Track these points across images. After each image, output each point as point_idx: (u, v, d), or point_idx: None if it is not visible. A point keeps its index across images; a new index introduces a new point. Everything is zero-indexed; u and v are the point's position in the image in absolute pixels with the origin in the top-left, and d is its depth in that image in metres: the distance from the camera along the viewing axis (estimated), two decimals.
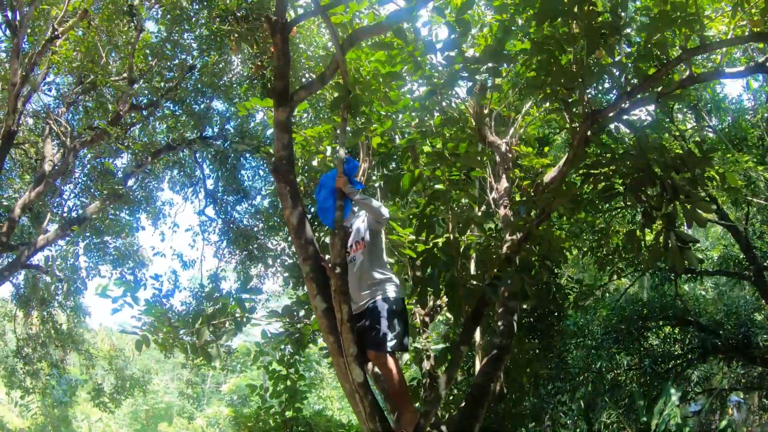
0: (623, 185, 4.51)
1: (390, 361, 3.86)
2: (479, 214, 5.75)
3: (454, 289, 4.50)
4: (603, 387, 13.08)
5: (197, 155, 12.07)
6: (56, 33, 8.84)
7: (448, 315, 6.89)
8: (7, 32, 9.38)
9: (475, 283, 4.60)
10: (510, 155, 6.52)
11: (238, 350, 10.80)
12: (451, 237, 4.66)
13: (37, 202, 10.65)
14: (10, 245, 10.03)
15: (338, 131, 4.54)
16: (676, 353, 13.70)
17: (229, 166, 10.96)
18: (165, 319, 5.42)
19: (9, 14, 8.86)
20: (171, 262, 58.25)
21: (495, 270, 4.61)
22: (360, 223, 4.32)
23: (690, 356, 13.62)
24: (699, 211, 4.19)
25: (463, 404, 4.69)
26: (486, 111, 6.26)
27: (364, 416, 3.56)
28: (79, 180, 12.52)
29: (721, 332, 12.66)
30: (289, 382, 7.22)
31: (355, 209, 4.42)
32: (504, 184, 6.27)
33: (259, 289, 5.61)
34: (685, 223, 4.34)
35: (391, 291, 4.01)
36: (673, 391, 9.96)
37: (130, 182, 12.16)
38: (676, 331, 14.05)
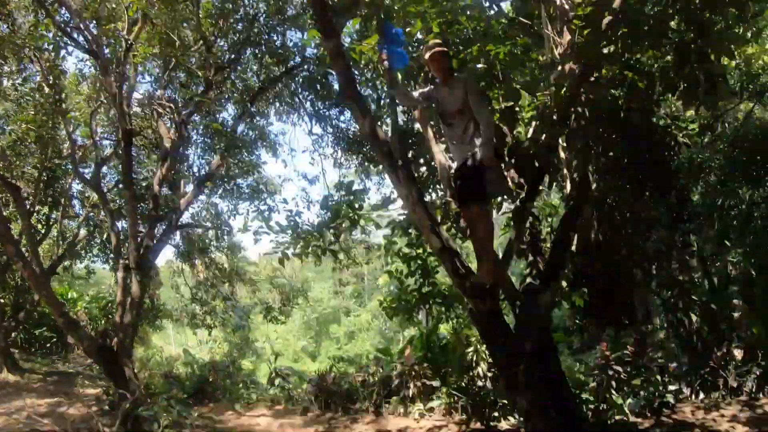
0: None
1: (476, 213, 4.50)
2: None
3: (517, 154, 4.93)
4: (729, 225, 12.64)
5: (292, 85, 12.91)
6: (129, 43, 9.79)
7: None
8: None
9: (530, 149, 4.96)
10: (567, 6, 6.49)
11: (379, 247, 11.97)
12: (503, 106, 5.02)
13: (171, 174, 12.16)
14: (161, 216, 11.56)
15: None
16: None
17: (320, 87, 11.66)
18: (295, 234, 6.43)
19: (83, 41, 9.79)
20: (299, 183, 62.15)
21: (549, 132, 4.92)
22: (457, 93, 4.75)
23: None
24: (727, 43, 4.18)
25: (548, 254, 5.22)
26: None
27: (448, 273, 4.25)
28: (199, 143, 14.13)
29: None
30: (420, 261, 7.83)
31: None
32: (567, 37, 6.28)
33: (361, 190, 6.37)
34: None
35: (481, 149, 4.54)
36: None
37: (240, 129, 13.48)
38: None
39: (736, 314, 10.08)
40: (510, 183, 5.93)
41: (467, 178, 4.58)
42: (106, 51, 10.28)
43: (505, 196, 4.84)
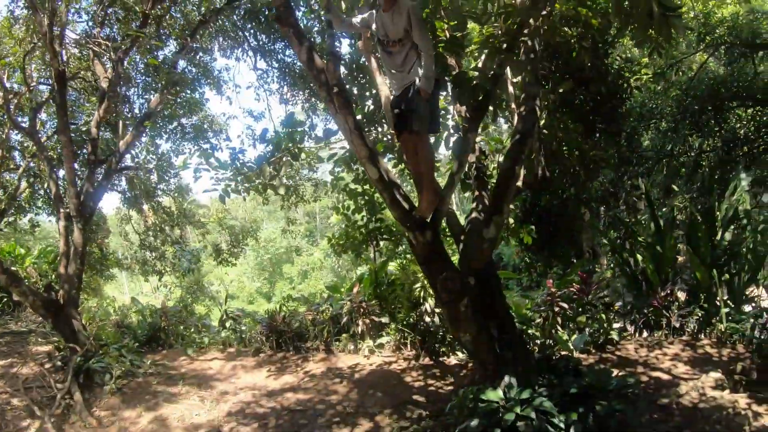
0: None
1: (415, 143, 4.37)
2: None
3: (460, 83, 4.77)
4: (678, 171, 12.93)
5: (234, 17, 12.33)
6: None
7: None
8: None
9: (477, 75, 4.80)
10: None
11: (327, 184, 11.80)
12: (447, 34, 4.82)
13: (111, 115, 11.55)
14: (100, 159, 11.05)
15: None
16: (753, 137, 13.01)
17: (264, 19, 11.15)
18: (235, 170, 6.22)
19: None
20: (244, 121, 61.09)
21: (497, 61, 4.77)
22: (399, 20, 4.45)
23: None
24: None
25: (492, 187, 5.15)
26: None
27: (387, 205, 4.13)
28: (140, 83, 13.43)
29: None
30: (366, 197, 7.68)
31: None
32: None
33: (302, 122, 6.12)
34: None
35: (421, 81, 4.37)
36: (743, 176, 9.73)
37: (183, 64, 12.83)
38: (757, 112, 13.21)
39: (680, 257, 10.42)
40: (456, 116, 5.81)
41: (404, 107, 4.41)
42: None
43: (433, 132, 4.66)
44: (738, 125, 13.45)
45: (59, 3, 9.54)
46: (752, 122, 13.31)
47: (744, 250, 8.62)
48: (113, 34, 11.82)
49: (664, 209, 12.91)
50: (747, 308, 8.39)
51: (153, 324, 10.80)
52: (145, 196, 15.42)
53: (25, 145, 13.82)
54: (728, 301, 8.22)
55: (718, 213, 9.16)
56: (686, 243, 9.20)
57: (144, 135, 13.17)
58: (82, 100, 13.69)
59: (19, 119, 12.18)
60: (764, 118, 13.10)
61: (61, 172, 11.97)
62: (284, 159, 5.74)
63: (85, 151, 11.80)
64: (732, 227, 8.95)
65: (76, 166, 11.89)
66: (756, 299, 8.62)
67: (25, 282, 9.58)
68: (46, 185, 13.76)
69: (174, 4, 11.48)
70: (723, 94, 12.49)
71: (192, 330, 10.95)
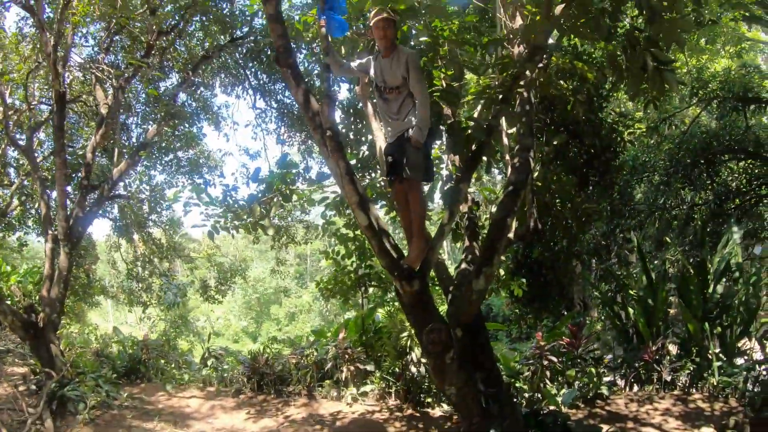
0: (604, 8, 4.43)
1: (406, 191, 4.32)
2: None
3: (455, 132, 4.76)
4: (670, 224, 12.95)
5: (237, 55, 12.51)
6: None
7: None
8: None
9: (472, 125, 4.80)
10: None
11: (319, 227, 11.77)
12: (443, 84, 4.83)
13: (108, 142, 11.58)
14: (93, 185, 11.03)
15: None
16: (745, 189, 13.10)
17: (266, 58, 11.32)
18: (225, 207, 6.16)
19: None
20: (240, 158, 61.28)
21: (492, 112, 4.77)
22: (398, 67, 4.47)
23: (760, 192, 13.00)
24: (678, 30, 4.11)
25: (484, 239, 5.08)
26: None
27: (375, 253, 4.05)
28: (139, 111, 13.51)
29: None
30: (357, 243, 7.66)
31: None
32: (519, 21, 6.18)
33: (295, 163, 6.08)
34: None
35: (414, 130, 4.35)
36: (735, 229, 9.76)
37: (185, 97, 12.93)
38: (749, 165, 13.36)
39: (671, 310, 10.33)
40: (450, 165, 5.79)
41: (397, 155, 4.38)
42: (48, 9, 9.68)
43: (426, 180, 4.64)
44: (730, 178, 13.56)
45: (67, 25, 9.66)
46: (744, 175, 13.42)
47: (736, 302, 8.56)
48: (117, 61, 11.95)
49: (656, 262, 12.90)
50: (739, 361, 8.26)
51: (133, 356, 10.62)
52: (136, 226, 15.33)
53: (21, 162, 13.79)
54: (720, 355, 8.10)
55: (710, 266, 9.12)
56: (678, 296, 9.12)
57: (139, 165, 13.19)
58: (81, 124, 13.74)
59: (18, 136, 12.16)
60: (756, 171, 13.22)
61: (54, 194, 11.92)
62: (275, 200, 5.68)
63: (79, 174, 11.76)
64: (724, 280, 8.91)
65: (69, 189, 11.85)
66: (748, 352, 8.51)
67: (7, 301, 9.42)
68: (37, 205, 13.67)
69: (179, 37, 11.64)
70: (715, 148, 12.62)
71: (173, 365, 10.77)
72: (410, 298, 4.39)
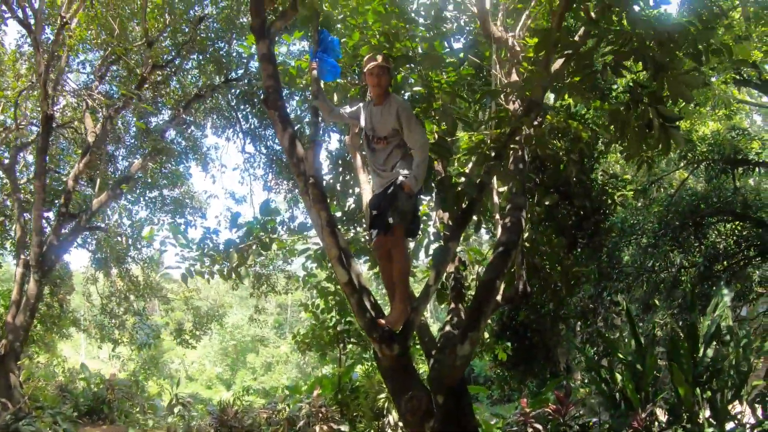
0: (606, 64, 4.31)
1: (394, 246, 4.06)
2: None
3: (445, 188, 4.56)
4: (658, 287, 12.80)
5: (230, 97, 12.46)
6: (64, 20, 9.23)
7: None
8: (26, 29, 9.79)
9: (463, 181, 4.61)
10: (518, 49, 6.34)
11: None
12: (436, 136, 4.66)
13: (93, 171, 11.36)
14: (72, 214, 10.77)
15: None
16: (733, 251, 13.04)
17: (258, 102, 11.25)
18: (201, 250, 5.88)
19: (20, 13, 9.24)
20: (225, 201, 60.94)
21: (484, 167, 4.59)
22: (389, 117, 4.23)
23: (748, 254, 12.95)
24: (685, 85, 3.98)
25: (470, 302, 4.83)
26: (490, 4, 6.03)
27: (353, 312, 3.77)
28: (128, 143, 13.34)
29: None
30: (338, 297, 7.37)
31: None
32: (514, 77, 6.10)
33: (277, 211, 5.84)
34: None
35: (409, 176, 4.12)
36: (725, 291, 9.65)
37: (174, 135, 12.78)
38: (737, 227, 13.34)
39: (661, 375, 10.03)
40: (438, 223, 5.57)
41: (383, 205, 4.14)
42: (48, 30, 9.62)
43: (411, 235, 4.40)
44: (718, 240, 13.49)
45: (63, 47, 9.57)
46: (732, 237, 13.36)
47: (726, 366, 8.31)
48: (112, 91, 11.86)
49: (641, 324, 12.66)
50: (730, 425, 7.94)
51: (98, 394, 10.22)
52: (114, 261, 14.92)
53: (5, 181, 13.46)
54: (711, 419, 7.76)
55: (700, 329, 8.90)
56: (667, 360, 8.85)
57: (122, 198, 12.91)
58: (71, 151, 13.52)
59: (5, 154, 11.90)
60: (744, 232, 13.16)
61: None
62: (254, 247, 5.41)
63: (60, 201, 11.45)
64: (714, 343, 8.69)
65: (51, 215, 11.55)
66: (739, 416, 8.20)
67: None
68: (15, 227, 13.29)
69: (174, 73, 11.58)
70: (704, 210, 12.60)
71: (138, 409, 10.32)
72: (389, 363, 4.07)
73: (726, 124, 14.70)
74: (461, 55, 6.21)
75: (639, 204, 13.94)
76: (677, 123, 4.35)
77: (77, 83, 12.30)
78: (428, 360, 5.00)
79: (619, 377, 8.89)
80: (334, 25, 5.09)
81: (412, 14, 5.24)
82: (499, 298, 5.17)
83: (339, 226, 4.34)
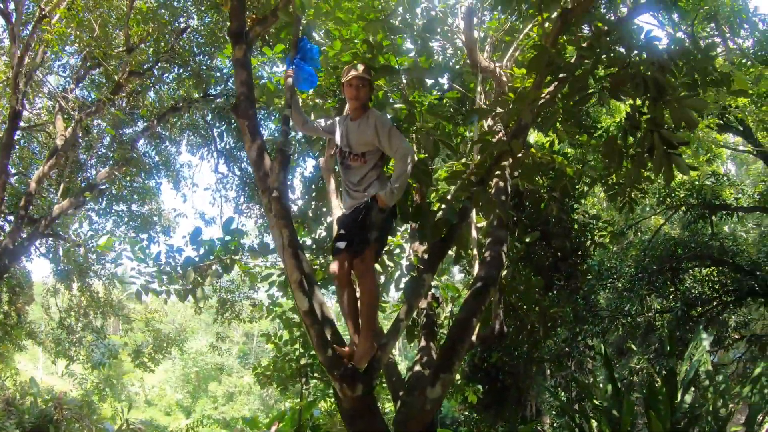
0: (603, 88, 4.08)
1: (363, 272, 3.69)
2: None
3: (422, 215, 4.25)
4: (634, 331, 12.62)
5: (207, 114, 12.14)
6: (43, 12, 8.91)
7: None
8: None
9: (443, 207, 4.29)
10: (505, 79, 6.17)
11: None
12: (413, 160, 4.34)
13: (60, 176, 10.87)
14: (31, 218, 10.26)
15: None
16: (710, 296, 12.96)
17: (234, 121, 10.96)
18: (158, 267, 5.48)
19: (1, 4, 8.93)
20: (194, 222, 59.99)
21: (465, 195, 4.29)
22: (366, 133, 3.91)
23: (725, 299, 12.88)
24: (689, 110, 3.75)
25: (443, 341, 4.48)
26: (478, 35, 5.89)
27: (313, 345, 3.38)
28: (99, 151, 12.88)
29: (758, 273, 11.78)
30: (303, 329, 6.98)
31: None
32: (499, 110, 5.90)
33: (241, 231, 5.44)
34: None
35: (386, 189, 3.78)
36: (704, 336, 9.52)
37: (147, 148, 12.37)
38: (714, 273, 13.29)
39: (637, 421, 9.72)
40: (411, 255, 5.25)
41: (349, 224, 3.78)
42: (30, 26, 9.27)
43: (383, 249, 4.06)
44: (694, 285, 13.41)
45: (38, 39, 9.18)
46: (708, 282, 13.28)
47: (704, 413, 8.05)
48: (88, 96, 11.51)
49: (616, 367, 12.41)
50: None
51: (45, 412, 9.57)
52: (77, 274, 14.28)
53: None
54: None
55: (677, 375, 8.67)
56: (644, 406, 8.59)
57: (84, 207, 12.36)
58: (42, 156, 13.03)
59: None
60: (721, 278, 13.09)
61: None
62: (213, 267, 5.00)
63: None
64: (692, 389, 8.44)
65: (11, 218, 11.02)
66: None
67: None
68: None
69: (152, 84, 11.26)
70: (680, 255, 12.53)
71: (86, 431, 9.69)
72: (351, 404, 3.67)
73: (704, 170, 14.80)
74: (445, 79, 6.02)
75: (615, 248, 13.84)
76: (681, 149, 4.10)
77: (56, 86, 11.92)
78: (395, 401, 4.61)
79: (594, 423, 8.57)
80: (318, 32, 4.81)
81: (399, 25, 4.98)
82: (473, 338, 4.82)
83: (305, 252, 3.96)
